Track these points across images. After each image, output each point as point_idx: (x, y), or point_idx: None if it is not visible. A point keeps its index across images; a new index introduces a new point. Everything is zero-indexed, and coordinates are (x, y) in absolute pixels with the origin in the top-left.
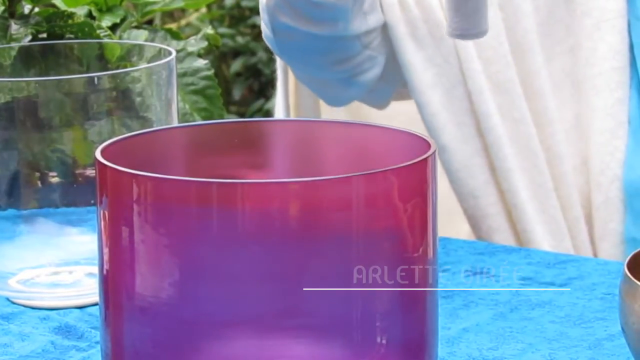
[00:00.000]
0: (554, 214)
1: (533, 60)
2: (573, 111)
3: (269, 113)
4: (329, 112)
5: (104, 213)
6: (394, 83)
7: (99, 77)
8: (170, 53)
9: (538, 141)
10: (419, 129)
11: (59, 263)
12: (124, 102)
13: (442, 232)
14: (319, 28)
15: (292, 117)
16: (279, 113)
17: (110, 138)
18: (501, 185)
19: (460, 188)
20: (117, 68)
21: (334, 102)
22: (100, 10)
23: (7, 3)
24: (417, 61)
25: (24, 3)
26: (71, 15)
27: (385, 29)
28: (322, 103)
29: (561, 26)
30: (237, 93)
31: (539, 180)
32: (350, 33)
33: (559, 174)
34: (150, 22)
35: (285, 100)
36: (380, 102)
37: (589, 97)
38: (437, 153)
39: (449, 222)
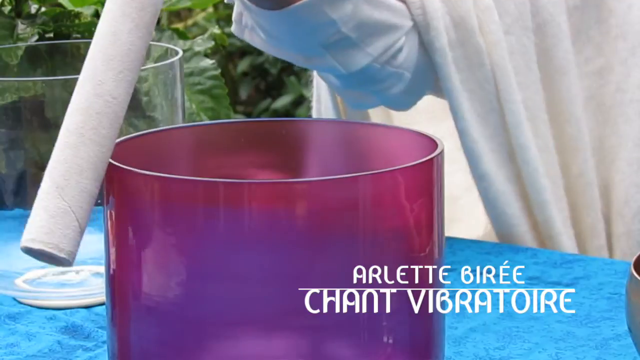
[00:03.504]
0: (569, 244)
1: (571, 83)
2: (595, 134)
3: (276, 112)
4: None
5: (110, 213)
6: (418, 95)
7: None
8: (176, 53)
9: (559, 168)
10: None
11: None
12: (131, 102)
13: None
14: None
15: (343, 118)
16: (326, 113)
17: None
18: (536, 215)
19: (498, 217)
20: None
21: (357, 107)
22: None
23: (14, 3)
24: (455, 85)
25: (30, 3)
26: (78, 14)
27: (409, 42)
28: None
29: (590, 46)
30: (243, 93)
31: (559, 206)
32: (353, 70)
33: (589, 201)
34: (156, 21)
35: (334, 100)
36: (402, 109)
37: (618, 124)
38: (443, 153)
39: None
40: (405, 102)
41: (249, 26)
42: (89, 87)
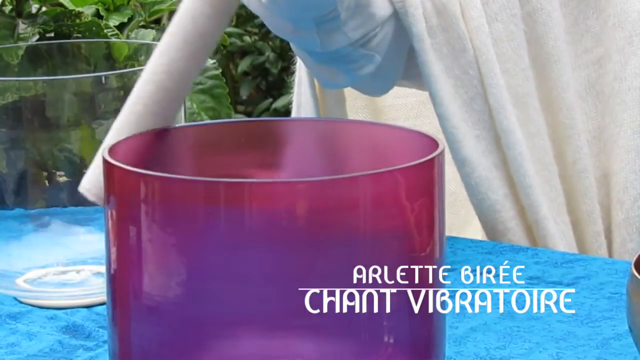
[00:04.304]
0: (564, 230)
1: (562, 71)
2: (595, 123)
3: (276, 112)
4: (352, 112)
5: (111, 212)
6: (388, 80)
7: (106, 77)
8: None
9: (552, 156)
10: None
11: (66, 262)
12: None
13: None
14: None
15: (322, 115)
16: (305, 111)
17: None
18: (522, 201)
19: (480, 202)
20: (125, 67)
21: (327, 85)
22: (107, 10)
23: (14, 2)
24: (436, 71)
25: (31, 2)
26: (79, 14)
27: (385, 27)
28: (347, 102)
29: (590, 35)
30: (244, 92)
31: (551, 195)
32: (329, 49)
33: (584, 188)
34: (157, 21)
35: (314, 98)
36: (374, 94)
37: (616, 112)
38: (444, 152)
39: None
40: (375, 86)
41: None
42: (162, 61)
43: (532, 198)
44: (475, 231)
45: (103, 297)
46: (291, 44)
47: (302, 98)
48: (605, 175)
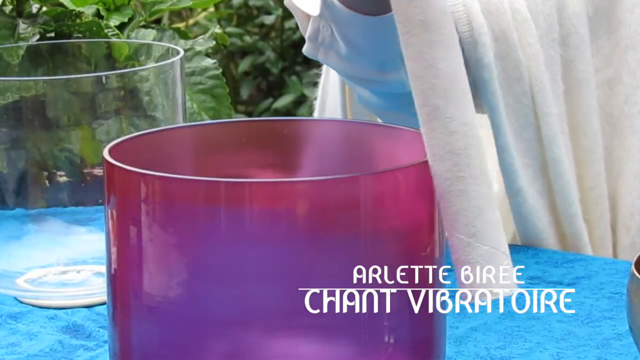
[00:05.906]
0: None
1: (590, 96)
2: (603, 144)
3: (277, 112)
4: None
5: (111, 212)
6: None
7: (106, 77)
8: (178, 52)
9: (575, 180)
10: None
11: (67, 262)
12: (132, 102)
13: None
14: (385, 89)
15: (349, 117)
16: (332, 111)
17: (118, 137)
18: (564, 228)
19: (528, 231)
20: (125, 67)
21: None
22: (108, 10)
23: (15, 2)
24: (499, 100)
25: (31, 2)
26: (79, 14)
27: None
28: None
29: (600, 56)
30: (244, 92)
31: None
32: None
33: (600, 214)
34: (158, 21)
35: (343, 99)
36: None
37: (625, 135)
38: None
39: None
40: None
41: (325, 43)
42: (441, 129)
43: (576, 225)
44: None
45: (103, 297)
46: (355, 94)
47: (325, 109)
48: (612, 197)
